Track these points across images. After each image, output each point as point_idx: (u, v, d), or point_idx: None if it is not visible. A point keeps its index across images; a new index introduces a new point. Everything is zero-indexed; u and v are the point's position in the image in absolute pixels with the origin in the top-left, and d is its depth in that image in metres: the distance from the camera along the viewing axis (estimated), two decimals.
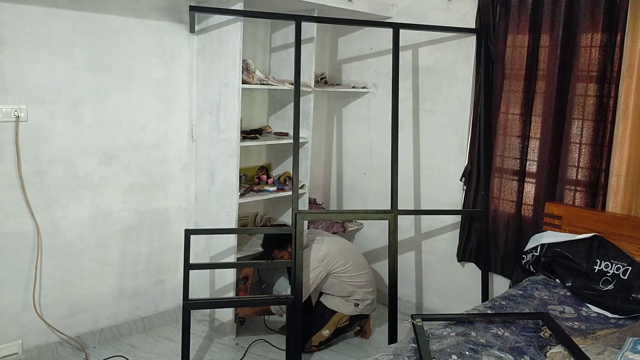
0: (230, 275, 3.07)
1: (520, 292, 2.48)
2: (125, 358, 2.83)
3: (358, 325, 3.18)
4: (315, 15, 3.16)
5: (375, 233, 3.78)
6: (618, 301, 2.33)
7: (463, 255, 3.23)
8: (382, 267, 3.70)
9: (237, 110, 2.88)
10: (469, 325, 2.09)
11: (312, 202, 3.76)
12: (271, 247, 3.09)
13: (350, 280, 3.00)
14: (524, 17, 2.88)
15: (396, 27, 2.93)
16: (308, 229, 3.06)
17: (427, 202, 3.45)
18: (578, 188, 2.77)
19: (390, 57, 2.99)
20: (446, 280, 3.39)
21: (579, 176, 2.76)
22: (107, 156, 2.88)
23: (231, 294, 3.07)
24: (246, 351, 2.97)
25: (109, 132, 2.86)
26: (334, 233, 3.62)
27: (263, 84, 3.07)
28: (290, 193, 3.17)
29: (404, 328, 2.98)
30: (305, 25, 3.17)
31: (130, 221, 3.02)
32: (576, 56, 2.72)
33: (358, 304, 3.03)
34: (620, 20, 2.56)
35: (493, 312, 2.25)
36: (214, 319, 3.22)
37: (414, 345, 1.91)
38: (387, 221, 2.88)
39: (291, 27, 3.24)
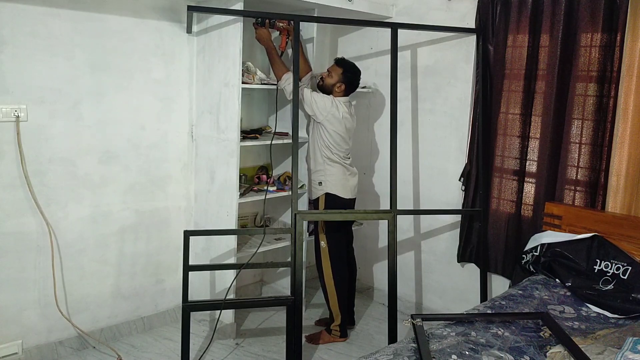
0: (230, 275, 3.07)
1: (520, 292, 2.48)
2: None
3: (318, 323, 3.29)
4: (315, 15, 3.16)
5: (375, 233, 3.79)
6: (618, 301, 2.33)
7: (463, 256, 3.22)
8: (382, 267, 3.70)
9: (237, 110, 2.88)
10: (469, 325, 2.09)
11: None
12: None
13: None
14: (523, 16, 2.88)
15: (394, 27, 2.92)
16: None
17: (426, 202, 3.45)
18: (578, 188, 2.77)
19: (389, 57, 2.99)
20: (446, 280, 3.39)
21: (578, 176, 2.76)
22: (107, 156, 2.88)
23: (232, 296, 3.07)
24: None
25: (108, 132, 2.86)
26: None
27: (264, 84, 3.07)
28: (290, 193, 3.17)
29: (404, 328, 2.98)
30: (305, 25, 3.17)
31: (130, 221, 3.02)
32: (576, 56, 2.72)
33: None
34: (620, 20, 2.56)
35: (493, 312, 2.25)
36: (214, 319, 3.22)
37: (414, 345, 1.91)
38: (387, 221, 2.88)
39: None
